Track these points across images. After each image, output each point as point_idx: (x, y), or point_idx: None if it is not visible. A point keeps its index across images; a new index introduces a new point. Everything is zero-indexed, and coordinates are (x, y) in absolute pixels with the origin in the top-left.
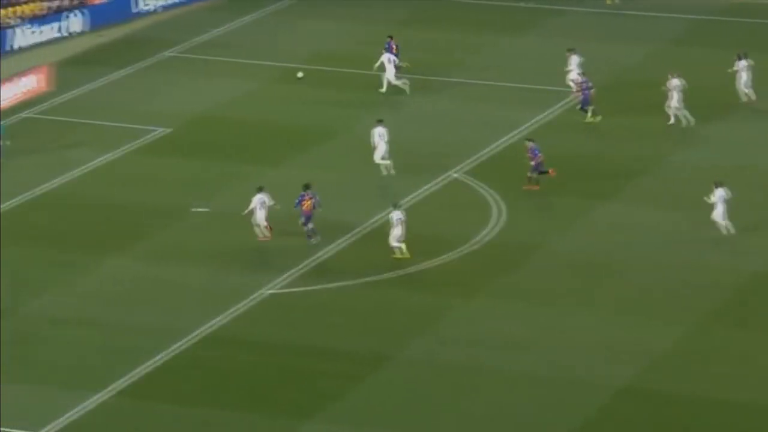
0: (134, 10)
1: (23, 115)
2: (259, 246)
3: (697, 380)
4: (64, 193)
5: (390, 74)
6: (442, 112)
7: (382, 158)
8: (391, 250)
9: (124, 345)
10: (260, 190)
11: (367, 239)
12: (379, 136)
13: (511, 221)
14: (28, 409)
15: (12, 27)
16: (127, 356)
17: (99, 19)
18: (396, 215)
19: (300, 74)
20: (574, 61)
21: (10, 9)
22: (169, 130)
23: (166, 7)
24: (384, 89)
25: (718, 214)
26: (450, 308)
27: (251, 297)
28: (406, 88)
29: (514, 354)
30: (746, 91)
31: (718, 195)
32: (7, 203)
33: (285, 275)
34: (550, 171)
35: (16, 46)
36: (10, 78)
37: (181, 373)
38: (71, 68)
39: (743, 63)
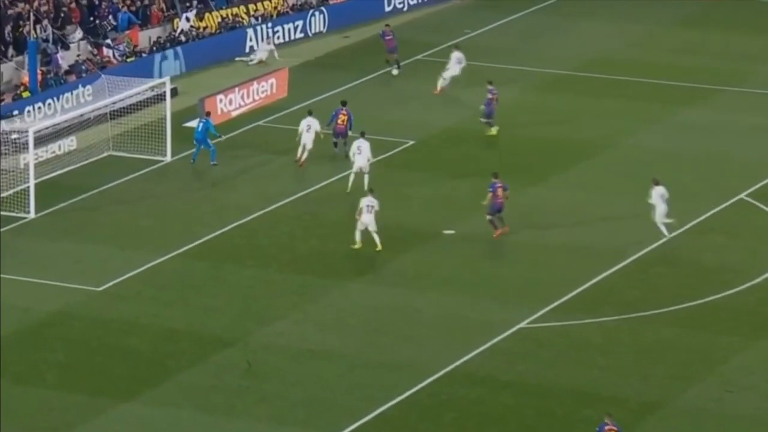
0: (387, 9)
1: (257, 123)
2: (512, 273)
3: None
4: (298, 211)
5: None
6: (727, 124)
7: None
8: (353, 240)
9: (363, 380)
10: (309, 113)
11: (636, 269)
12: (358, 149)
13: None
14: None
15: (248, 27)
16: (367, 392)
17: (342, 19)
18: (366, 201)
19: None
20: (455, 58)
21: (246, 6)
22: (412, 143)
23: (417, 6)
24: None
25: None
26: (738, 350)
27: (504, 331)
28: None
29: None
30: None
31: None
32: (237, 220)
33: (540, 307)
34: (501, 230)
35: (251, 48)
36: (245, 83)
37: (427, 414)
38: (309, 73)
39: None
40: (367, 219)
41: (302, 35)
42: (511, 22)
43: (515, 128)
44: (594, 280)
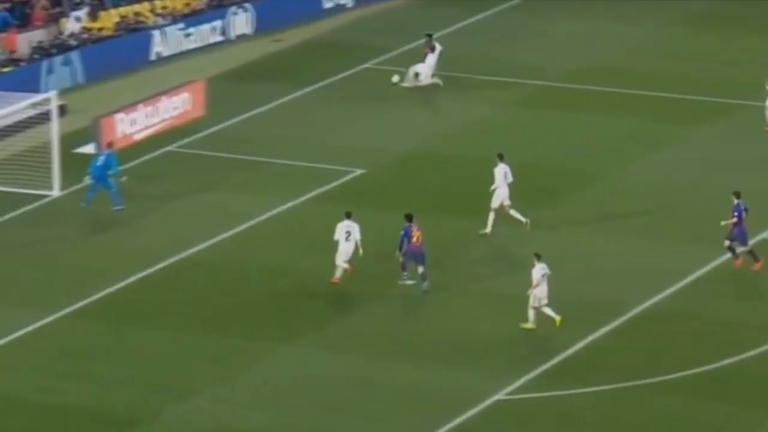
0: (325, 6)
1: (168, 148)
2: (482, 331)
3: None
4: (219, 257)
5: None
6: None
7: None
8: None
9: None
10: (348, 216)
11: (636, 327)
12: (504, 175)
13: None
14: None
15: (155, 28)
16: None
17: (272, 18)
18: (539, 269)
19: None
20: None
21: (151, 2)
22: (363, 172)
23: (365, 3)
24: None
25: None
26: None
27: (476, 404)
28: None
29: None
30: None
31: None
32: (142, 271)
33: (520, 375)
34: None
35: (157, 54)
36: (151, 98)
37: None
38: (232, 85)
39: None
40: (541, 291)
41: (221, 38)
42: (478, 22)
43: (484, 150)
44: (585, 341)
